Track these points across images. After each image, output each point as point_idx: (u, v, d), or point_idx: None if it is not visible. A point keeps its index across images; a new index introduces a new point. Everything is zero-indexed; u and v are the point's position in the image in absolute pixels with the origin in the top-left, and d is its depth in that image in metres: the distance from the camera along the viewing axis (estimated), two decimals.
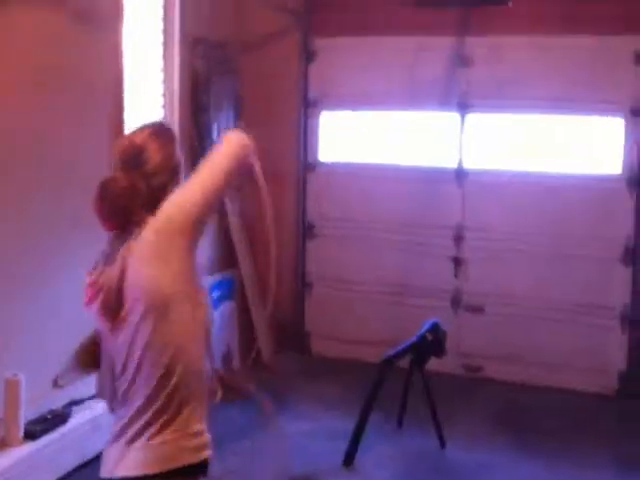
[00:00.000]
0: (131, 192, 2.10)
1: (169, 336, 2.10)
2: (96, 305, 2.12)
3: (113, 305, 2.09)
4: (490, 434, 5.24)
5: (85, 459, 4.29)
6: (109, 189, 2.11)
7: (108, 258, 2.13)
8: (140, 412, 2.14)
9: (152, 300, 2.07)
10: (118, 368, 2.17)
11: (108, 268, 2.09)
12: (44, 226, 4.35)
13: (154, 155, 2.17)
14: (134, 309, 2.08)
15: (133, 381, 2.14)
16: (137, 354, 2.11)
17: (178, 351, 2.12)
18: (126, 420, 2.15)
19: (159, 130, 2.27)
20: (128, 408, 2.16)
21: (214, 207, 2.31)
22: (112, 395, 2.23)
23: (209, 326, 2.26)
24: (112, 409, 2.27)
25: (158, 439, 2.12)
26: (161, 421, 2.13)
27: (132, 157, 2.15)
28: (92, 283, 2.11)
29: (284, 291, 6.64)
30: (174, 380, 2.13)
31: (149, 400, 2.13)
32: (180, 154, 2.27)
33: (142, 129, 2.24)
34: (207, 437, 2.23)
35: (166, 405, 2.13)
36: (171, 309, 2.09)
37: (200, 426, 2.21)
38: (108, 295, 2.08)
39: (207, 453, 2.22)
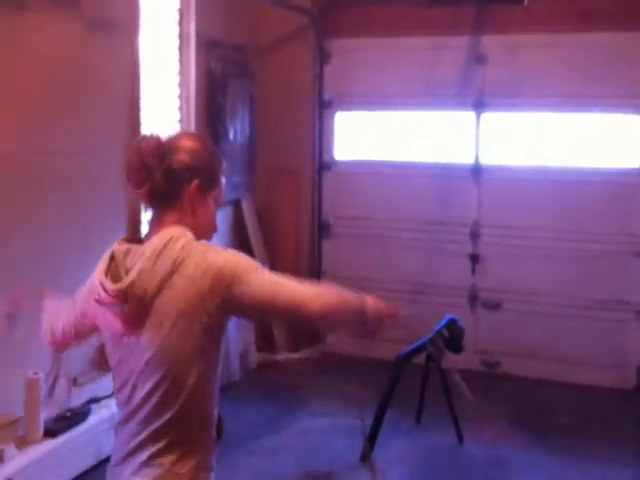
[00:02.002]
0: (157, 152, 2.01)
1: (188, 370, 1.97)
2: (117, 310, 1.97)
3: (138, 315, 1.95)
4: (508, 430, 5.24)
5: (104, 457, 4.35)
6: (141, 142, 2.03)
7: (128, 269, 1.98)
8: (144, 444, 1.99)
9: (184, 337, 1.95)
10: (121, 378, 2.05)
11: (140, 280, 1.94)
12: (61, 227, 4.42)
13: (191, 142, 2.08)
14: (160, 328, 1.95)
15: (138, 406, 2.00)
16: (148, 374, 1.97)
17: (198, 387, 1.99)
18: (130, 448, 2.02)
19: (202, 136, 2.23)
20: (142, 427, 2.00)
21: (252, 312, 2.05)
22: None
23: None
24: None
25: (179, 468, 1.98)
26: (170, 458, 1.98)
27: (165, 144, 2.05)
28: (118, 292, 1.95)
29: None
30: (195, 417, 2.01)
31: (158, 433, 1.97)
32: (220, 169, 2.13)
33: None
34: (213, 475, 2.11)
35: (179, 443, 1.98)
36: (199, 354, 1.97)
37: (213, 462, 2.09)
38: (137, 308, 1.95)
39: None
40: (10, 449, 3.91)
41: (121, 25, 4.86)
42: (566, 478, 4.62)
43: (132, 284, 1.94)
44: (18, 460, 3.90)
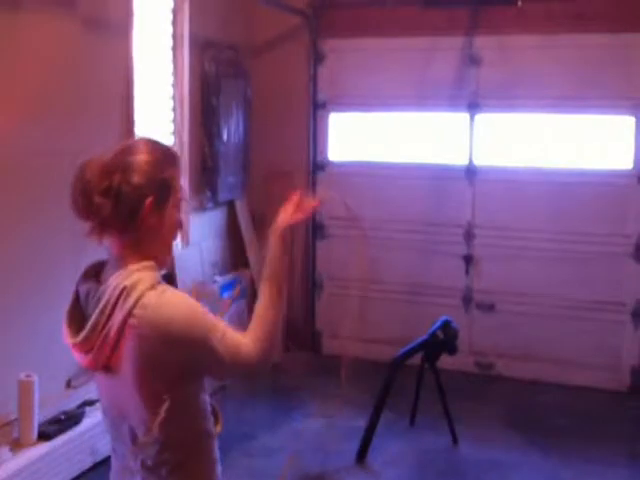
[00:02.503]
0: (103, 175, 1.88)
1: (156, 424, 1.90)
2: (86, 361, 1.92)
3: (103, 361, 1.90)
4: (502, 431, 5.25)
5: (98, 459, 4.34)
6: (84, 165, 1.93)
7: (87, 302, 1.93)
8: (152, 465, 1.94)
9: (144, 398, 1.89)
10: (107, 416, 2.02)
11: (96, 334, 1.86)
12: (54, 230, 4.39)
13: (141, 154, 1.93)
14: (123, 386, 1.89)
15: (121, 441, 1.98)
16: (122, 414, 1.94)
17: (169, 438, 1.94)
18: (120, 468, 2.02)
19: (161, 147, 2.03)
20: (118, 455, 2.02)
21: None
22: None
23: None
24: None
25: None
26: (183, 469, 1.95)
27: (120, 148, 1.95)
28: (77, 345, 1.90)
29: (295, 291, 6.68)
30: (178, 451, 1.95)
31: (162, 449, 1.92)
32: (174, 176, 1.98)
33: (145, 138, 2.07)
34: None
35: (184, 450, 1.95)
36: (160, 411, 1.89)
37: (216, 454, 2.06)
38: (98, 360, 1.89)
39: None
40: (4, 452, 3.89)
41: (115, 25, 4.84)
42: (560, 479, 4.62)
43: (87, 338, 1.87)
44: (12, 463, 3.87)
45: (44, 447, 4.08)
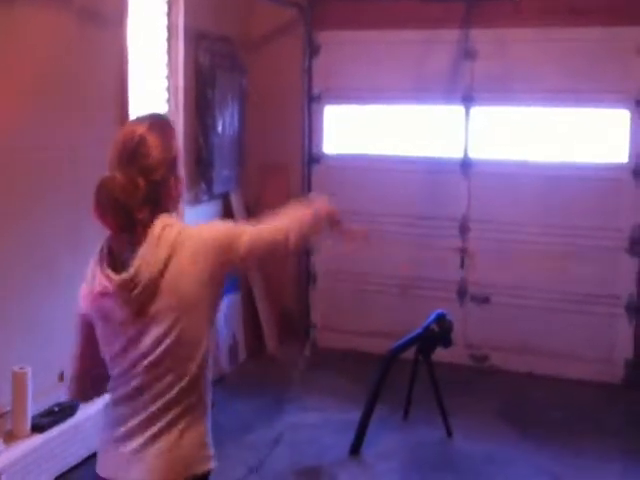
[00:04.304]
0: (130, 189, 2.05)
1: (198, 345, 2.12)
2: (122, 299, 2.06)
3: (146, 300, 2.05)
4: (496, 424, 5.26)
5: (92, 452, 4.31)
6: (108, 187, 2.05)
7: (125, 261, 2.07)
8: (156, 416, 2.10)
9: (189, 306, 2.08)
10: (124, 364, 2.12)
11: (144, 265, 2.04)
12: (49, 223, 4.39)
13: (153, 149, 2.10)
14: (170, 306, 2.06)
15: (150, 382, 2.09)
16: (162, 352, 2.07)
17: (206, 355, 2.15)
18: (136, 423, 2.11)
19: (157, 121, 2.21)
20: (135, 410, 2.11)
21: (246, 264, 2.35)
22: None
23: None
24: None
25: (178, 445, 2.11)
26: (180, 427, 2.11)
27: (131, 152, 2.08)
28: (124, 281, 2.04)
29: (290, 284, 6.68)
30: (201, 385, 2.14)
31: (169, 404, 2.09)
32: (178, 145, 2.21)
33: (140, 121, 2.19)
34: (212, 449, 2.23)
35: (188, 411, 2.12)
36: (202, 320, 2.12)
37: (210, 437, 2.21)
38: (146, 292, 2.04)
39: (213, 464, 2.21)
40: None
41: (110, 17, 4.81)
42: (554, 472, 4.63)
43: (137, 271, 2.03)
44: (6, 455, 3.87)
45: (38, 439, 4.08)
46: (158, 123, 2.20)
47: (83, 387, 2.30)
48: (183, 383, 2.10)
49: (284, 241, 2.24)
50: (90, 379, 2.27)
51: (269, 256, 2.32)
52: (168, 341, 2.07)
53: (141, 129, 2.13)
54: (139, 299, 2.05)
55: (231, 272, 2.22)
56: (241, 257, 2.17)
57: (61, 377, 4.45)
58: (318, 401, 5.55)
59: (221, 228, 2.22)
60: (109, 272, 2.06)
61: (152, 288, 2.04)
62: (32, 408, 4.13)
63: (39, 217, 4.33)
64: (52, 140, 4.40)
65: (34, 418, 4.14)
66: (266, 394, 5.66)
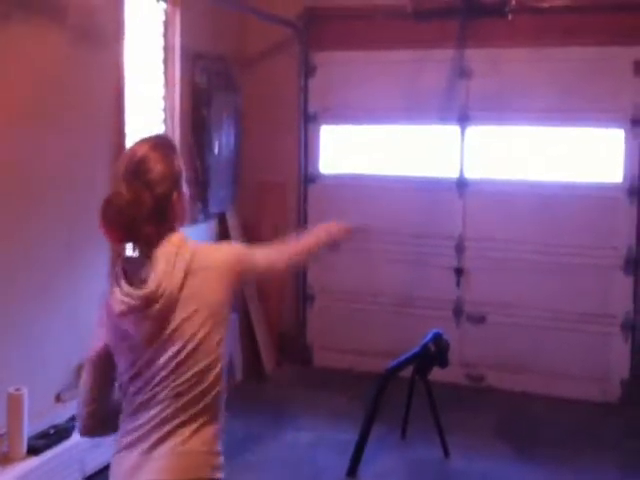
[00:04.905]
0: (136, 203, 2.10)
1: (218, 348, 2.18)
2: (143, 315, 2.10)
3: (166, 314, 2.11)
4: (493, 443, 5.25)
5: (87, 474, 4.32)
6: (114, 203, 2.10)
7: (141, 279, 2.12)
8: (167, 420, 2.13)
9: (211, 310, 2.16)
10: (143, 380, 2.15)
11: (164, 280, 2.10)
12: (45, 242, 4.38)
13: (156, 165, 2.16)
14: (189, 319, 2.12)
15: (168, 393, 2.13)
16: (182, 364, 2.12)
17: (223, 364, 2.20)
18: (144, 430, 2.14)
19: (159, 141, 2.28)
20: (151, 418, 2.14)
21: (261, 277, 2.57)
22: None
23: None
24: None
25: (186, 447, 2.14)
26: (189, 430, 2.14)
27: (134, 168, 2.14)
28: (146, 296, 2.09)
29: (286, 303, 6.67)
30: (217, 393, 2.20)
31: (185, 406, 2.14)
32: (181, 163, 2.27)
33: (142, 142, 2.25)
34: (223, 459, 2.26)
35: (200, 415, 2.16)
36: (222, 323, 2.19)
37: (221, 447, 2.25)
38: (168, 304, 2.10)
39: (222, 475, 2.25)
40: None
41: (106, 36, 4.84)
42: None
43: (158, 285, 2.09)
44: (1, 478, 3.84)
45: (33, 461, 4.04)
46: (160, 143, 2.27)
47: (96, 424, 2.30)
48: (200, 389, 2.15)
49: (276, 269, 2.46)
50: (103, 417, 2.28)
51: (265, 276, 2.45)
52: (188, 353, 2.12)
53: (144, 148, 2.20)
54: (160, 313, 2.10)
55: (244, 284, 2.33)
56: (248, 277, 2.38)
57: (57, 398, 4.44)
58: (314, 421, 5.53)
59: (237, 246, 2.44)
60: (129, 289, 2.11)
61: (172, 302, 2.10)
62: (28, 430, 4.10)
63: (35, 237, 4.32)
64: (48, 159, 4.40)
65: (30, 440, 4.11)
66: (262, 414, 5.64)
